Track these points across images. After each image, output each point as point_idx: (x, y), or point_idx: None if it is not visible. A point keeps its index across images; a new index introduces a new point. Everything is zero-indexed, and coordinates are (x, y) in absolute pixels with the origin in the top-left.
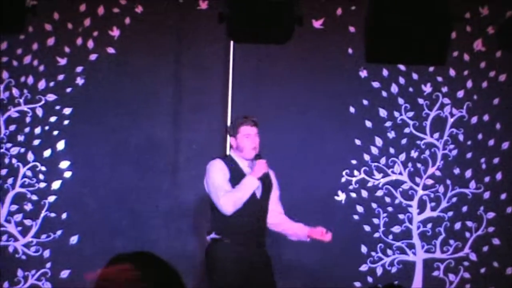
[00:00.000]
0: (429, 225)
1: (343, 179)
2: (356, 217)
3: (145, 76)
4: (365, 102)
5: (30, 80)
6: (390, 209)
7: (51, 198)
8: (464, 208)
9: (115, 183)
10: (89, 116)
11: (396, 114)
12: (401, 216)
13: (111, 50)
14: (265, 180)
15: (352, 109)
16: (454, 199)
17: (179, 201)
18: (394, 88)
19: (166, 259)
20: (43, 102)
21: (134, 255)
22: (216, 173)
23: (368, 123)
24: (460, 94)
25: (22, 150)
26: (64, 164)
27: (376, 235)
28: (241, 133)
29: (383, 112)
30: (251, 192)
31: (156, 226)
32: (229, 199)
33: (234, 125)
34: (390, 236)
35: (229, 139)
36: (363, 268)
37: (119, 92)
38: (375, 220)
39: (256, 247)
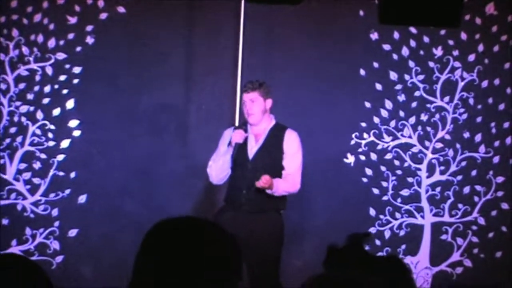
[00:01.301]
0: (438, 189)
1: (352, 142)
2: (365, 180)
3: (155, 37)
4: (375, 64)
5: (40, 38)
6: (399, 172)
7: (60, 157)
8: (473, 172)
9: (124, 143)
10: (99, 75)
11: (407, 77)
12: (410, 180)
13: (121, 9)
14: (267, 143)
15: (362, 72)
16: (463, 163)
17: (189, 163)
18: (405, 51)
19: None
20: (52, 60)
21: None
22: (220, 141)
23: (379, 86)
24: (471, 57)
25: (32, 108)
26: (73, 123)
27: (385, 198)
28: (243, 100)
29: (393, 75)
30: (226, 161)
31: (166, 187)
32: (210, 169)
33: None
34: (399, 199)
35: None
36: (372, 231)
37: (129, 52)
38: (384, 183)
39: (249, 212)
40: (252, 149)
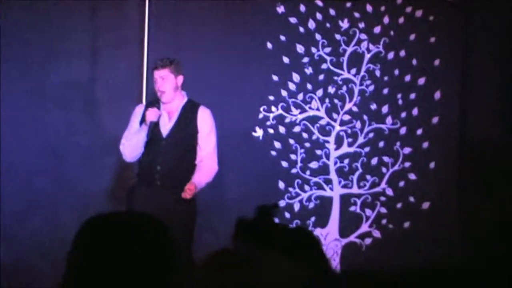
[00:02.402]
0: (346, 161)
1: (260, 115)
2: (273, 153)
3: (61, 13)
4: (282, 38)
5: None
6: (307, 145)
7: None
8: (381, 144)
9: (32, 121)
10: (4, 54)
11: (314, 50)
12: (318, 152)
13: None
14: (181, 121)
15: (269, 45)
16: (371, 135)
17: (99, 139)
18: (311, 24)
19: (86, 198)
20: None
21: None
22: (131, 118)
23: (286, 59)
24: (377, 30)
25: None
26: None
27: (294, 171)
28: (154, 78)
29: (300, 48)
30: (141, 140)
31: (76, 164)
32: (123, 147)
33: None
34: (308, 172)
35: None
36: (281, 204)
37: (34, 29)
38: (293, 156)
39: (163, 187)
40: (165, 127)
